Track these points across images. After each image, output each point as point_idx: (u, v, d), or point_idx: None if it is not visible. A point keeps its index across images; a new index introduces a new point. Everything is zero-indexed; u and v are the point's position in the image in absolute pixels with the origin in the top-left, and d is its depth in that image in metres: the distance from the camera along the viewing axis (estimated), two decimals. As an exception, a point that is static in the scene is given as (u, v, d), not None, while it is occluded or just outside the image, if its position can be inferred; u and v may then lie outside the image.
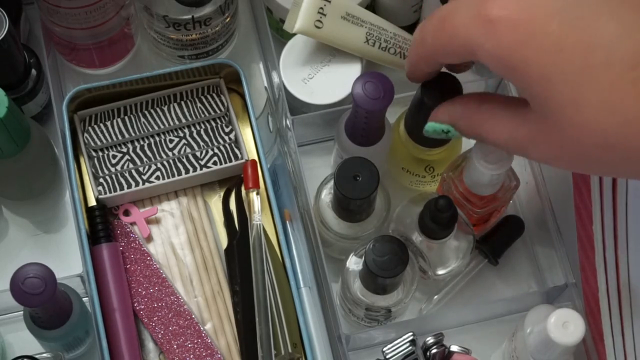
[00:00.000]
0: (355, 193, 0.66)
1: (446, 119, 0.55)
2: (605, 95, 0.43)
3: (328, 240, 0.73)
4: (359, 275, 0.69)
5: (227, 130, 0.77)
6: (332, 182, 0.68)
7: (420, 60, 0.54)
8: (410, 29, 0.81)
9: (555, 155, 0.47)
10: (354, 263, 0.70)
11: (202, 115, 0.77)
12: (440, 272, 0.72)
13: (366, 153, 0.71)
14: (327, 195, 0.72)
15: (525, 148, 0.49)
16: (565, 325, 0.65)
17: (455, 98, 0.55)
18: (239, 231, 0.74)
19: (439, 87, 0.60)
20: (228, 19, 0.79)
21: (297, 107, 0.76)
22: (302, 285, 0.72)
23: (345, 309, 0.73)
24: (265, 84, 0.83)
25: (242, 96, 0.78)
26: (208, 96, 0.78)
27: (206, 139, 0.77)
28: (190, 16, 0.76)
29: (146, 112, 0.77)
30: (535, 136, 0.47)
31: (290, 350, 0.69)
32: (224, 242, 0.76)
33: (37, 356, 0.66)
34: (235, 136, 0.77)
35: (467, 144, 0.75)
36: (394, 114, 0.75)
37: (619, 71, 0.42)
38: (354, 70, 0.76)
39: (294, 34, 0.75)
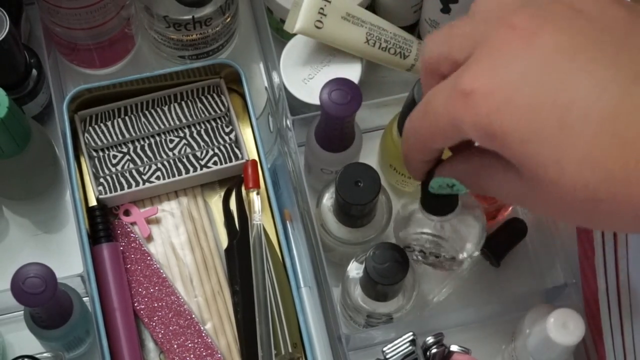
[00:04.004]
0: (356, 199, 0.66)
1: (451, 174, 0.54)
2: (586, 150, 0.43)
3: (329, 245, 0.73)
4: (360, 282, 0.69)
5: (227, 130, 0.77)
6: (333, 187, 0.68)
7: (415, 151, 0.54)
8: (410, 29, 0.81)
9: (548, 212, 0.48)
10: (354, 269, 0.70)
11: (203, 116, 0.78)
12: (462, 255, 0.71)
13: (336, 159, 0.71)
14: (328, 199, 0.72)
15: (520, 204, 0.50)
16: (565, 325, 0.65)
17: (458, 155, 0.54)
18: (239, 231, 0.74)
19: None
20: (228, 19, 0.79)
21: (297, 107, 0.76)
22: (302, 285, 0.72)
23: (346, 316, 0.73)
24: (266, 84, 0.84)
25: (243, 96, 0.78)
26: (208, 96, 0.78)
27: (206, 139, 0.77)
28: (190, 16, 0.76)
29: (146, 112, 0.77)
30: (527, 194, 0.47)
31: (290, 350, 0.69)
32: (224, 242, 0.76)
33: (37, 356, 0.66)
34: (236, 136, 0.77)
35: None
36: (390, 114, 0.75)
37: (598, 125, 0.42)
38: (354, 70, 0.76)
39: (294, 34, 0.75)
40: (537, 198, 0.47)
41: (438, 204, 0.63)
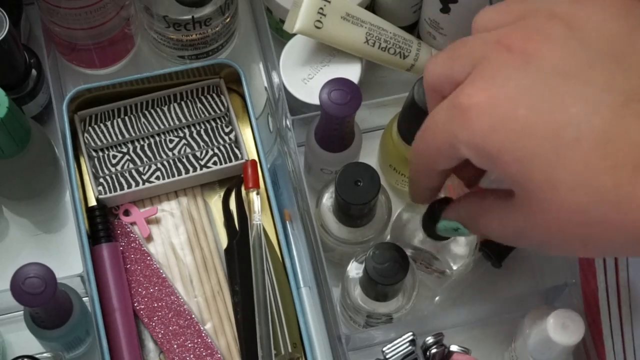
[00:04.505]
0: (356, 198, 0.66)
1: (454, 218, 0.56)
2: (578, 172, 0.43)
3: (329, 244, 0.73)
4: (359, 282, 0.69)
5: (227, 130, 0.77)
6: (333, 187, 0.68)
7: (420, 174, 0.54)
8: (410, 29, 0.81)
9: (543, 239, 0.48)
10: (354, 269, 0.70)
11: (202, 116, 0.78)
12: (455, 267, 0.72)
13: (336, 159, 0.71)
14: (328, 199, 0.72)
15: (516, 238, 0.50)
16: (564, 325, 0.65)
17: (462, 196, 0.56)
18: (239, 231, 0.74)
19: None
20: (228, 19, 0.79)
21: (297, 107, 0.76)
22: (302, 285, 0.72)
23: (346, 316, 0.73)
24: (265, 84, 0.84)
25: (242, 96, 0.78)
26: (208, 96, 0.78)
27: (206, 139, 0.77)
28: (190, 16, 0.76)
29: (146, 112, 0.77)
30: (522, 224, 0.48)
31: (290, 350, 0.69)
32: (224, 242, 0.76)
33: (37, 356, 0.66)
34: (235, 136, 0.77)
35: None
36: (390, 114, 0.75)
37: (590, 148, 0.43)
38: (354, 70, 0.76)
39: (294, 34, 0.75)
40: (533, 225, 0.47)
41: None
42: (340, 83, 0.67)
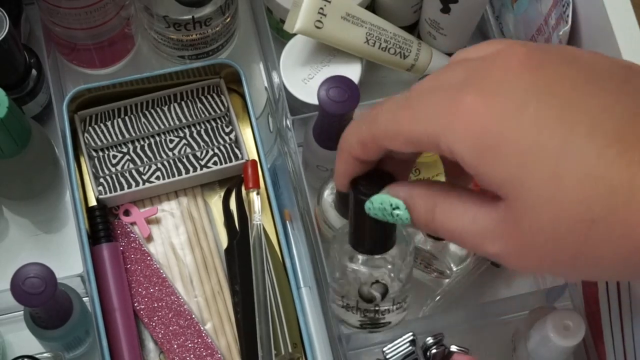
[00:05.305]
0: None
1: (402, 194, 0.49)
2: (589, 165, 0.41)
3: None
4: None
5: (227, 130, 0.77)
6: (333, 182, 0.68)
7: (362, 140, 0.49)
8: (410, 29, 0.81)
9: (529, 245, 0.44)
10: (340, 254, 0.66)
11: (203, 116, 0.78)
12: (455, 267, 0.71)
13: (333, 157, 0.71)
14: (329, 195, 0.72)
15: (481, 241, 0.45)
16: (565, 325, 0.65)
17: (416, 180, 0.51)
18: (239, 231, 0.74)
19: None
20: (228, 19, 0.79)
21: (297, 107, 0.76)
22: (302, 285, 0.72)
23: (338, 300, 0.72)
24: (266, 84, 0.83)
25: (242, 96, 0.78)
26: (208, 96, 0.78)
27: (206, 139, 0.77)
28: (190, 16, 0.76)
29: (146, 112, 0.77)
30: (499, 226, 0.44)
31: (290, 350, 0.69)
32: (224, 242, 0.76)
33: (37, 356, 0.66)
34: (236, 136, 0.77)
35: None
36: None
37: (603, 143, 0.41)
38: (354, 70, 0.76)
39: (294, 34, 0.75)
40: (516, 229, 0.44)
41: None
42: (338, 81, 0.67)
